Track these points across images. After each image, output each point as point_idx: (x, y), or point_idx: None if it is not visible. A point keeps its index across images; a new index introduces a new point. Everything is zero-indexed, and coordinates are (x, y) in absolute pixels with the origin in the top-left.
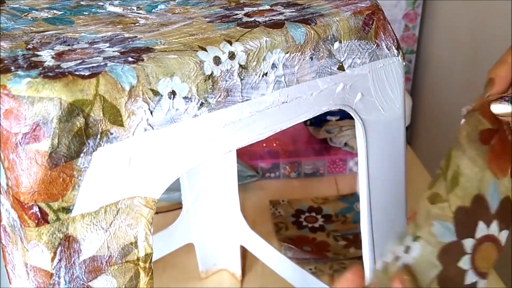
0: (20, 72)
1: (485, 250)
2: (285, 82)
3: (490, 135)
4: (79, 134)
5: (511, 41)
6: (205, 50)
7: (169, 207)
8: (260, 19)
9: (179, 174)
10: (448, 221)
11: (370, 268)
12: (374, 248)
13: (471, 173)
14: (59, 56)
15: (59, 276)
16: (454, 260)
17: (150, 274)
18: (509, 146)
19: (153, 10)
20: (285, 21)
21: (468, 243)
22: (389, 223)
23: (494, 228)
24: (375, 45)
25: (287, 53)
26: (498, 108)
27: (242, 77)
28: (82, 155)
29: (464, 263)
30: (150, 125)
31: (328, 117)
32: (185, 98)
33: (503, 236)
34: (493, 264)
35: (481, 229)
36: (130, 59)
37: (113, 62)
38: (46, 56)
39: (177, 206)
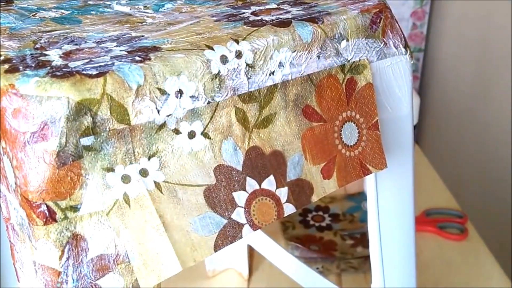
0: (28, 72)
1: (262, 204)
2: None
3: (313, 116)
4: (87, 133)
5: None
6: (212, 49)
7: None
8: (267, 18)
9: None
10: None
11: (377, 267)
12: (381, 248)
13: (281, 129)
14: (66, 55)
15: (67, 275)
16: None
17: None
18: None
19: (160, 9)
20: (292, 20)
21: (250, 182)
22: (396, 222)
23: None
24: (383, 43)
25: (294, 51)
26: None
27: (249, 76)
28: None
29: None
30: (157, 124)
31: None
32: (192, 97)
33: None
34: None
35: (269, 182)
36: (137, 58)
37: (120, 61)
38: (54, 55)
39: None
